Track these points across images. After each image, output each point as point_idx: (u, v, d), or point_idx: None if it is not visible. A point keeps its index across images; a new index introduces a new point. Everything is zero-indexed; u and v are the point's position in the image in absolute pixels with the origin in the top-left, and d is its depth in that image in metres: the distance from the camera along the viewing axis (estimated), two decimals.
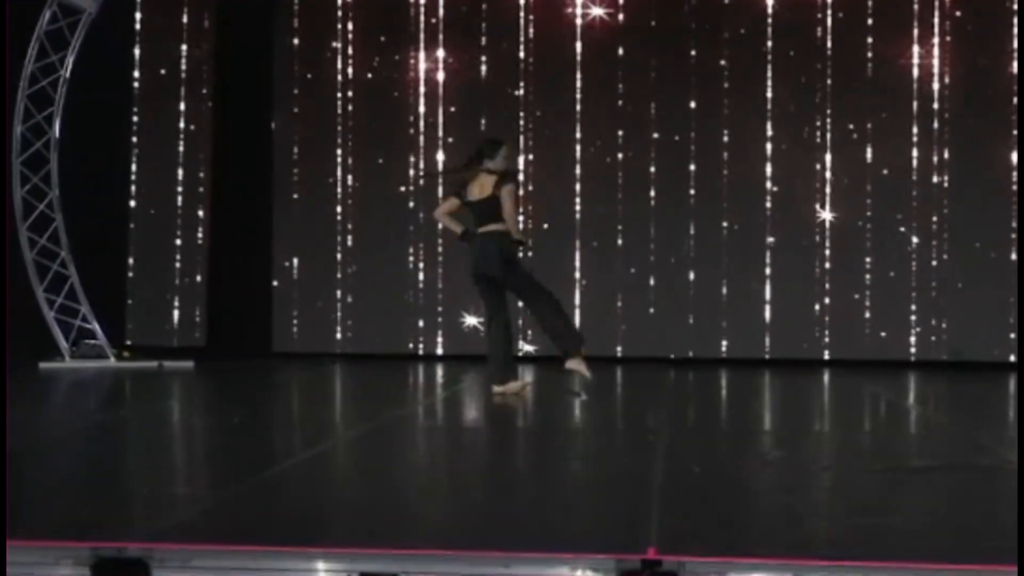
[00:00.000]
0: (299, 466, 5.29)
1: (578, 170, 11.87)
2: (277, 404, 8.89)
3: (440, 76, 11.99)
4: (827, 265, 11.53)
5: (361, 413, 8.08)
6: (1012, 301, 10.99)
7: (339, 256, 12.14)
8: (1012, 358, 11.07)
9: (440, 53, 11.99)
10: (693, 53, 11.64)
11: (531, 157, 11.90)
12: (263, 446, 6.09)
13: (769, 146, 11.59)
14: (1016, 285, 10.83)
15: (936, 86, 11.37)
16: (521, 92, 11.90)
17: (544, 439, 6.53)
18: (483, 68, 11.94)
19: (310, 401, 9.05)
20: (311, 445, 5.90)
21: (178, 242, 12.23)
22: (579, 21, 11.82)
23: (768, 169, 11.60)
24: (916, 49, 11.41)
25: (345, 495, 4.75)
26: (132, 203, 12.27)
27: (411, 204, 12.06)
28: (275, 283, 12.16)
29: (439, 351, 12.04)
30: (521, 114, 11.92)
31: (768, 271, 11.60)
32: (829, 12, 11.50)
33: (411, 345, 12.05)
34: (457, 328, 11.94)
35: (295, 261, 12.19)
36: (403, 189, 12.03)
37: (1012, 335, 11.13)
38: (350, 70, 12.13)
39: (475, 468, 5.52)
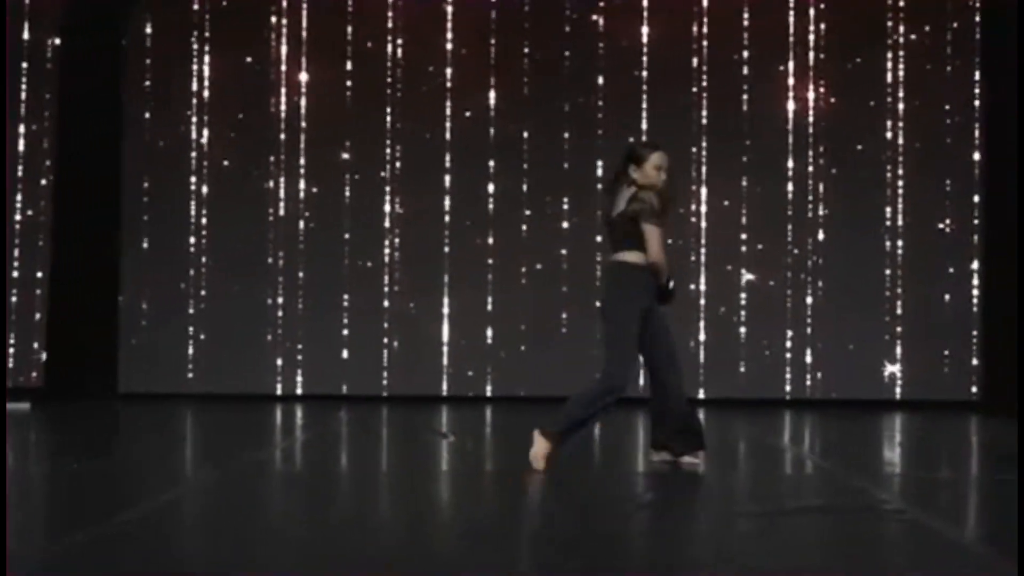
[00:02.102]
0: (145, 516, 4.83)
1: (447, 203, 11.54)
2: (121, 449, 8.31)
3: (303, 98, 11.52)
4: (702, 302, 11.39)
5: (213, 458, 7.58)
6: (885, 338, 11.07)
7: (191, 291, 11.52)
8: (884, 396, 11.13)
9: (303, 69, 11.52)
10: (567, 88, 11.45)
11: (398, 187, 11.53)
12: (105, 495, 5.59)
13: None
14: (883, 323, 10.88)
15: (811, 119, 11.38)
16: (389, 119, 11.53)
17: (410, 482, 6.17)
18: (348, 91, 11.53)
19: (158, 445, 8.48)
20: (158, 493, 5.40)
21: (16, 274, 11.47)
22: (450, 47, 11.54)
23: None
24: (791, 82, 11.40)
25: (194, 547, 4.31)
26: None
27: (270, 236, 11.54)
28: (121, 319, 11.47)
29: (299, 391, 11.49)
30: (388, 141, 11.55)
31: None
32: (705, 45, 11.43)
33: (268, 385, 11.48)
34: (318, 367, 11.43)
35: (143, 296, 11.53)
36: (261, 221, 11.52)
37: (886, 372, 11.18)
38: (206, 93, 11.58)
39: (335, 515, 5.12)
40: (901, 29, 11.37)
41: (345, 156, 11.52)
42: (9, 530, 4.70)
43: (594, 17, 11.48)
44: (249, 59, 11.55)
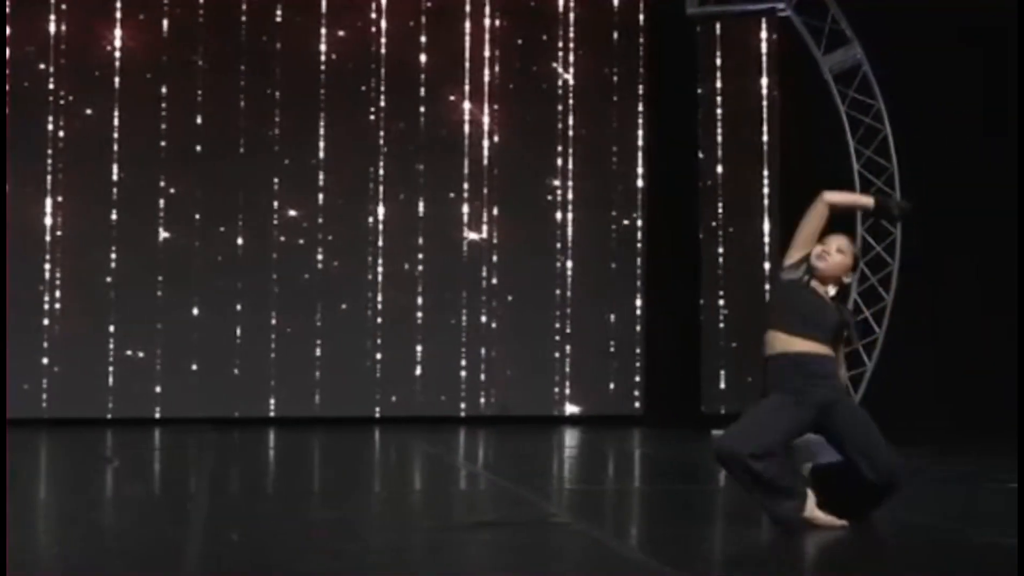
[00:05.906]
0: None
1: (114, 215, 11.06)
2: None
3: None
4: (379, 321, 11.41)
5: None
6: (556, 356, 11.45)
7: None
8: (555, 412, 11.52)
9: None
10: (243, 104, 11.21)
11: (60, 200, 10.96)
12: None
13: (321, 199, 11.36)
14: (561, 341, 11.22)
15: (486, 143, 11.62)
16: (51, 128, 10.95)
17: (70, 510, 5.83)
18: (7, 97, 10.88)
19: None
20: None
21: None
22: (118, 54, 11.09)
23: (320, 221, 11.37)
24: (468, 106, 11.62)
25: None
26: None
27: None
28: None
29: None
30: (49, 152, 10.96)
31: (319, 326, 11.29)
32: (383, 67, 11.48)
33: None
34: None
35: None
36: None
37: (556, 390, 11.57)
38: None
39: None
40: (571, 60, 11.80)
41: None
42: None
43: (272, 33, 11.32)
44: None
